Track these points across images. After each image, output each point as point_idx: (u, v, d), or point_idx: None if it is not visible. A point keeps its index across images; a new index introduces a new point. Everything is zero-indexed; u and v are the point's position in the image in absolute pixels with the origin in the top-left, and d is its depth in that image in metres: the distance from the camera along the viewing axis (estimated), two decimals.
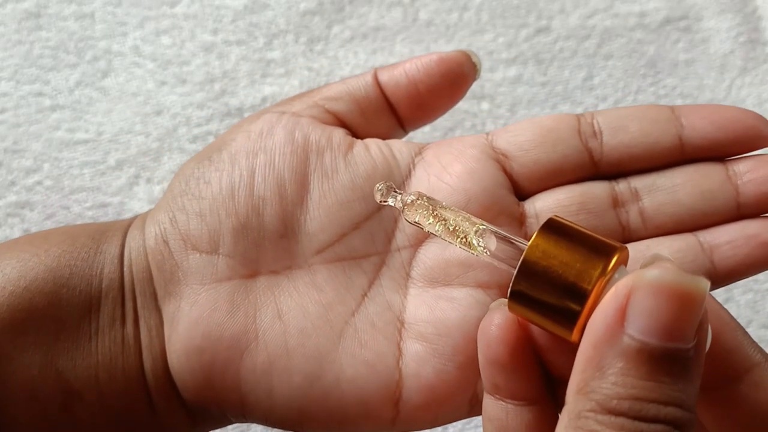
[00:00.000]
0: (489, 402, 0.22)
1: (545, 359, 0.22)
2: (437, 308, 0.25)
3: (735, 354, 0.19)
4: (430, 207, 0.23)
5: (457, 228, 0.23)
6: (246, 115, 0.41)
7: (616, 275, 0.19)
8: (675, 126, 0.26)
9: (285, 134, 0.27)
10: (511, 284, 0.19)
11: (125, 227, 0.27)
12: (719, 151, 0.26)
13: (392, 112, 0.29)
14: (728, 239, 0.24)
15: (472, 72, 0.28)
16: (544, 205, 0.26)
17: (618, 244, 0.19)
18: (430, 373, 0.24)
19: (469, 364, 0.24)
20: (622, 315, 0.17)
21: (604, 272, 0.18)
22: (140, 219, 0.27)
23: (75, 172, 0.40)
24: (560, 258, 0.19)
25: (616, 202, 0.26)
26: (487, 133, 0.27)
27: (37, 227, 0.38)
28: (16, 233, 0.38)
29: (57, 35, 0.42)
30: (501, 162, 0.26)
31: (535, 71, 0.43)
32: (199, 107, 0.41)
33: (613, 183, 0.26)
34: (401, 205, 0.24)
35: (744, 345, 0.19)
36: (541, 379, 0.22)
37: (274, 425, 0.25)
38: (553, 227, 0.20)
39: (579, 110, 0.43)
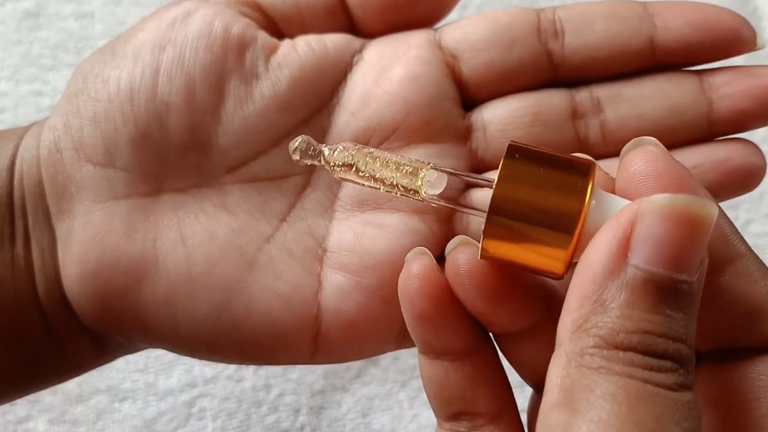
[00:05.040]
0: (425, 363, 0.20)
1: (473, 311, 0.20)
2: (364, 235, 0.23)
3: (719, 244, 0.18)
4: (359, 163, 0.20)
5: (395, 184, 0.20)
6: None
7: (593, 201, 0.17)
8: (647, 26, 0.23)
9: (202, 25, 0.23)
10: (484, 226, 0.17)
11: (20, 135, 0.23)
12: (694, 56, 0.23)
13: (345, 14, 0.24)
14: (695, 163, 0.22)
15: None
16: (493, 116, 0.23)
17: (588, 159, 0.18)
18: (352, 307, 0.22)
19: (396, 299, 0.20)
20: (625, 244, 0.15)
21: (584, 194, 0.17)
22: (38, 125, 0.23)
23: None
24: (534, 188, 0.17)
25: (575, 113, 0.23)
26: (436, 29, 0.24)
27: None
28: None
29: (56, 35, 0.41)
30: (449, 64, 0.24)
31: None
32: None
33: (573, 91, 0.24)
34: (326, 165, 0.21)
35: (728, 235, 0.18)
36: (473, 327, 0.20)
37: (184, 354, 0.23)
38: (515, 154, 0.18)
39: None
